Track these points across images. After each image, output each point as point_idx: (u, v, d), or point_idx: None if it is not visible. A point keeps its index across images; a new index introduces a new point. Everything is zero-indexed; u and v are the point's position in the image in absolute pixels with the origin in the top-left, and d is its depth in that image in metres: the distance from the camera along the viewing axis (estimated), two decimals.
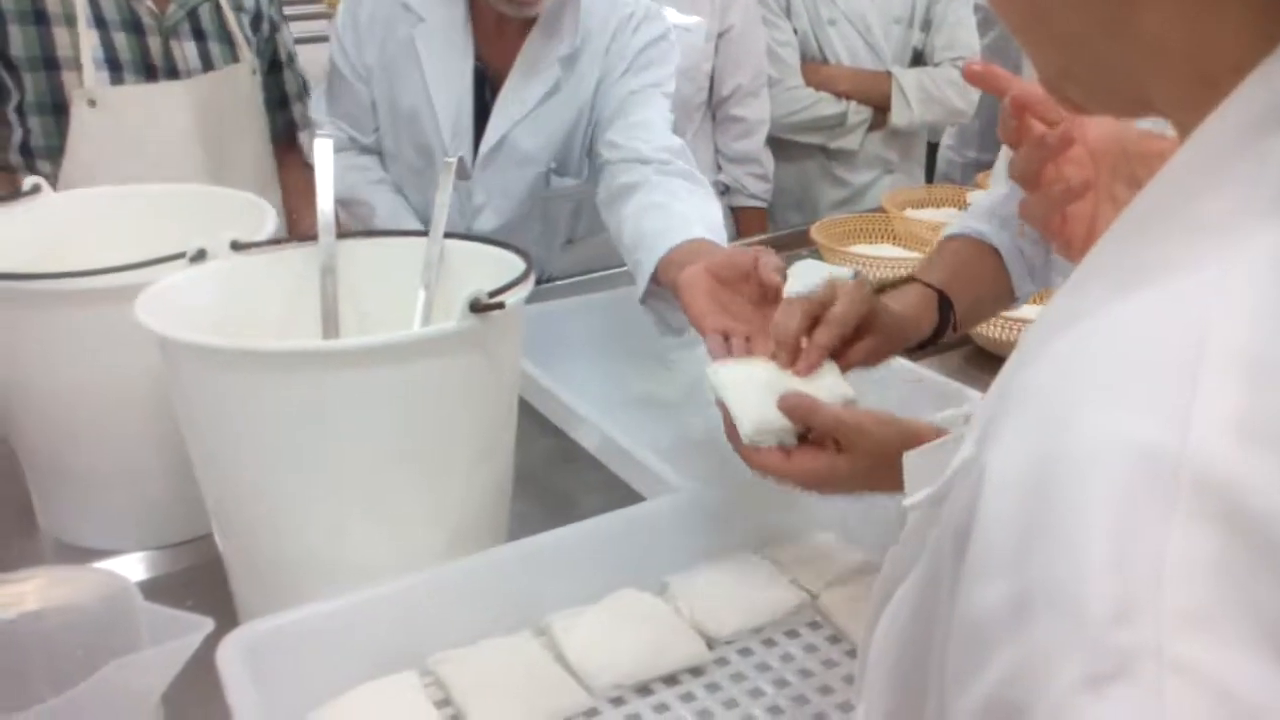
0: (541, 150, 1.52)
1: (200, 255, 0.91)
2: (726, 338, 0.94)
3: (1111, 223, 0.66)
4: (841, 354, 0.87)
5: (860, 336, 0.88)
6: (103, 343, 0.92)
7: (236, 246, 0.95)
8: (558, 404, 1.23)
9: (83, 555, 1.00)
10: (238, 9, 1.53)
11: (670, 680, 0.80)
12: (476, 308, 0.79)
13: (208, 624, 0.67)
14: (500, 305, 0.80)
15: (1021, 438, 0.29)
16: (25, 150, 1.42)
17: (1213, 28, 0.31)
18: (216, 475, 0.85)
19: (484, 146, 1.50)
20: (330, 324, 0.94)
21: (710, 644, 0.83)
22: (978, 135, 2.57)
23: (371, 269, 1.00)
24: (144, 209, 1.13)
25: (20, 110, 1.40)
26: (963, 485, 0.31)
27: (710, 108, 2.12)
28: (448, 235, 0.98)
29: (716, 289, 0.99)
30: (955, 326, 0.99)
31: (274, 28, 1.64)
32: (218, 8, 1.49)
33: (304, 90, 1.71)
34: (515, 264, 0.92)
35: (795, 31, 2.18)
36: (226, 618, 0.89)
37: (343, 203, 1.53)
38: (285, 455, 0.80)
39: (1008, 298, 1.05)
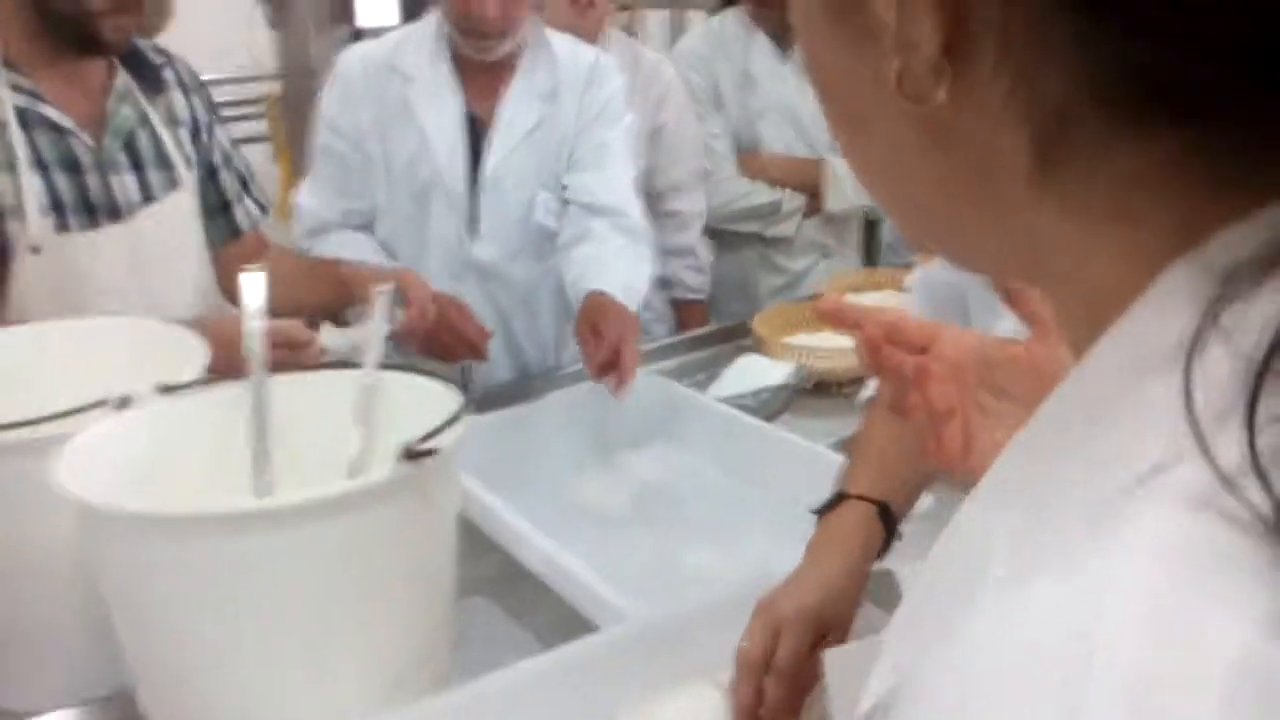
0: (533, 176, 1.70)
1: (124, 403, 0.89)
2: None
3: (984, 434, 0.65)
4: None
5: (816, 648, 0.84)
6: (19, 498, 0.88)
7: (164, 390, 0.93)
8: (499, 522, 1.20)
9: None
10: (173, 124, 1.49)
11: None
12: (409, 455, 0.77)
13: None
14: (433, 451, 0.78)
15: None
16: None
17: (1099, 250, 0.30)
18: (140, 636, 0.82)
19: (485, 173, 1.68)
20: (261, 470, 0.92)
21: None
22: None
23: (303, 405, 0.98)
24: (67, 346, 1.10)
25: None
26: None
27: (646, 204, 2.13)
28: (383, 367, 0.97)
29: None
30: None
31: (209, 131, 1.60)
32: (153, 132, 1.45)
33: (245, 189, 1.63)
34: (450, 399, 0.90)
35: (727, 124, 2.21)
36: None
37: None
38: (212, 615, 0.77)
39: None
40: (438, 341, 1.49)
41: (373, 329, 0.95)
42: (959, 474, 0.65)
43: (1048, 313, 0.63)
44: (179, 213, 1.48)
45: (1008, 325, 0.82)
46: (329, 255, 1.64)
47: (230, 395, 0.95)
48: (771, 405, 1.58)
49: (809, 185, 2.21)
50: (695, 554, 1.22)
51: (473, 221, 1.71)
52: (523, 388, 1.70)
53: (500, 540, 1.22)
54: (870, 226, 2.58)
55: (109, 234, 1.38)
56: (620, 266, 1.61)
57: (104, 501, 0.75)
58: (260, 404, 0.94)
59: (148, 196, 1.43)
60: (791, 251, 2.27)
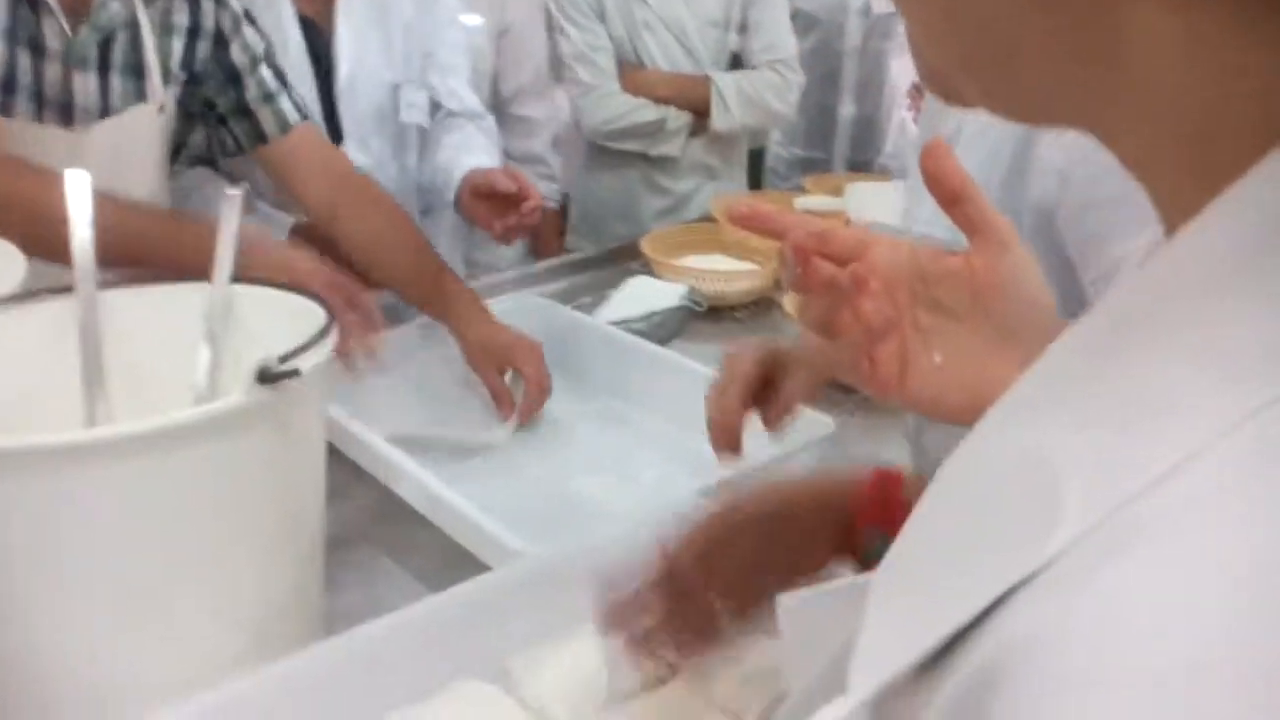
0: (387, 75, 1.66)
1: None
2: None
3: (921, 355, 0.57)
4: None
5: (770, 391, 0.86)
6: None
7: None
8: (374, 456, 1.10)
9: None
10: (167, 32, 1.31)
11: None
12: (266, 378, 0.67)
13: None
14: (294, 373, 0.68)
15: None
16: None
17: (1231, 67, 0.23)
18: None
19: (339, 81, 1.62)
20: (93, 396, 0.80)
21: None
22: (804, 133, 2.58)
23: (146, 321, 0.86)
24: None
25: None
26: None
27: (492, 109, 2.01)
28: (235, 280, 0.85)
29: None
30: None
31: (223, 38, 1.40)
32: (135, 37, 1.27)
33: (271, 94, 1.42)
34: (315, 314, 0.80)
35: (610, 36, 2.10)
36: None
37: None
38: (37, 565, 0.66)
39: None
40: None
41: (222, 235, 0.83)
42: (895, 399, 0.59)
43: (992, 220, 0.57)
44: (139, 128, 1.31)
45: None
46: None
47: (57, 311, 0.82)
48: (664, 329, 1.51)
49: (695, 103, 2.12)
50: (587, 484, 1.15)
51: (334, 131, 1.63)
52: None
53: (376, 475, 1.12)
54: (755, 155, 2.53)
55: (51, 135, 1.22)
56: (490, 149, 1.71)
57: None
58: (90, 326, 0.81)
59: (105, 108, 1.26)
60: (676, 173, 2.20)
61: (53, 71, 1.22)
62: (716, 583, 0.69)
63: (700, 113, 2.13)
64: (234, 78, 1.41)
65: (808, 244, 0.59)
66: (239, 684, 0.69)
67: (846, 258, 0.59)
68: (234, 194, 0.86)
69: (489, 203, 1.54)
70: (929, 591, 0.26)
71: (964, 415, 0.55)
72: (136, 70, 1.30)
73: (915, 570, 0.28)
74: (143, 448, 0.63)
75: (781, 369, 0.87)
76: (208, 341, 0.83)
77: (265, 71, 1.44)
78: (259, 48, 1.43)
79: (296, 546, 0.77)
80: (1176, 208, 0.25)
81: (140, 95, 1.31)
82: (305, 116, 1.43)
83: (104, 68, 1.27)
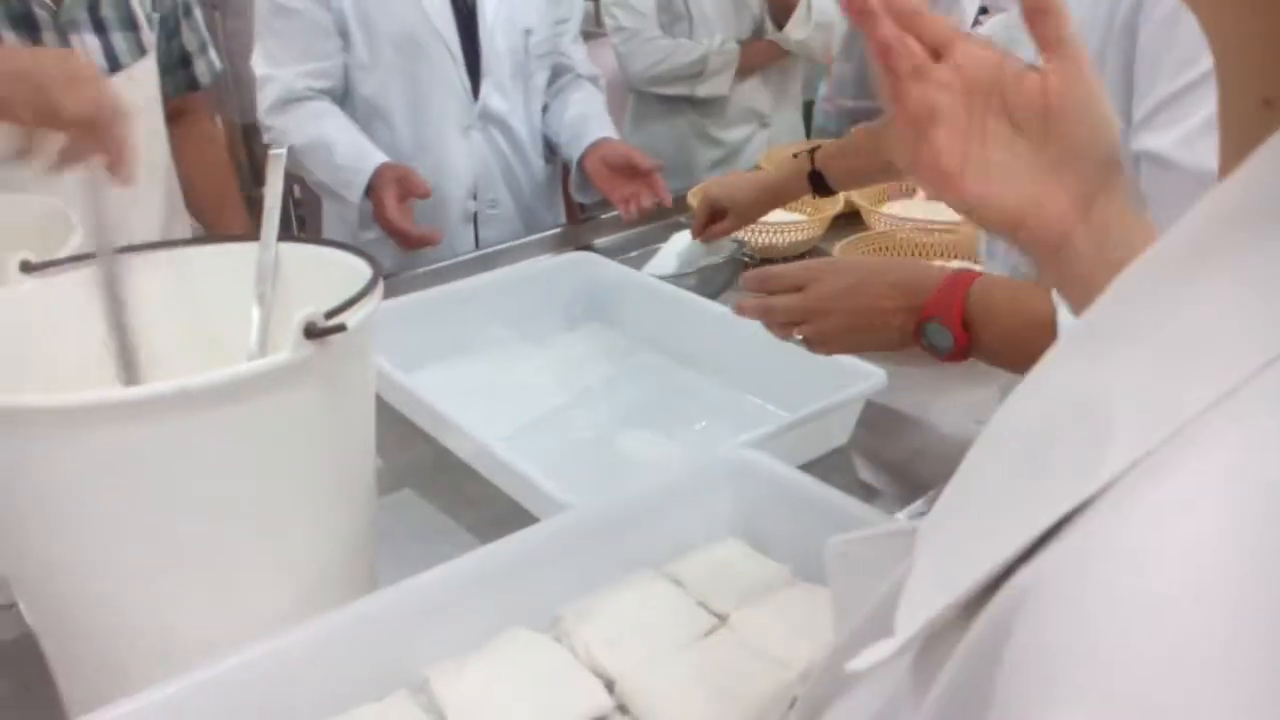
0: (521, 19, 1.72)
1: None
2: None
3: (981, 156, 0.58)
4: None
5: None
6: None
7: (27, 268, 0.81)
8: (427, 410, 1.11)
9: None
10: None
11: None
12: (313, 333, 0.67)
13: None
14: (340, 328, 0.68)
15: None
16: None
17: None
18: (14, 549, 0.72)
19: (485, 19, 1.68)
20: (127, 356, 0.81)
21: (610, 686, 0.74)
22: (851, 83, 2.53)
23: (199, 281, 0.87)
24: None
25: None
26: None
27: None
28: (283, 239, 0.86)
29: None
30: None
31: (187, 9, 1.46)
32: None
33: (205, 43, 1.52)
34: (361, 271, 0.80)
35: None
36: (45, 700, 0.77)
37: (301, 150, 1.59)
38: (95, 520, 0.67)
39: None
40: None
41: (268, 197, 0.84)
42: (948, 195, 0.60)
43: (1071, 41, 0.57)
44: (145, 82, 1.32)
45: None
46: (310, 135, 1.60)
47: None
48: (714, 283, 1.51)
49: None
50: (635, 439, 1.15)
51: (474, 71, 1.70)
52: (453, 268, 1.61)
53: (428, 430, 1.14)
54: (805, 106, 2.48)
55: None
56: (602, 117, 1.82)
57: None
58: (113, 284, 0.82)
59: (114, 64, 1.27)
60: (726, 120, 2.17)
61: (50, 41, 1.22)
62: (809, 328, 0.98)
63: (776, 21, 2.08)
64: (174, 26, 1.42)
65: (890, 35, 0.60)
66: (294, 633, 0.70)
67: (935, 46, 0.60)
68: (278, 153, 0.86)
69: (616, 172, 1.69)
70: (977, 530, 0.26)
71: (1005, 224, 0.57)
72: (130, 23, 1.30)
73: (965, 510, 0.28)
74: (195, 403, 0.64)
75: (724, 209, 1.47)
76: (259, 301, 0.84)
77: (197, 18, 1.46)
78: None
79: (348, 499, 0.78)
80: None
81: (140, 48, 1.32)
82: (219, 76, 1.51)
83: (99, 27, 1.27)
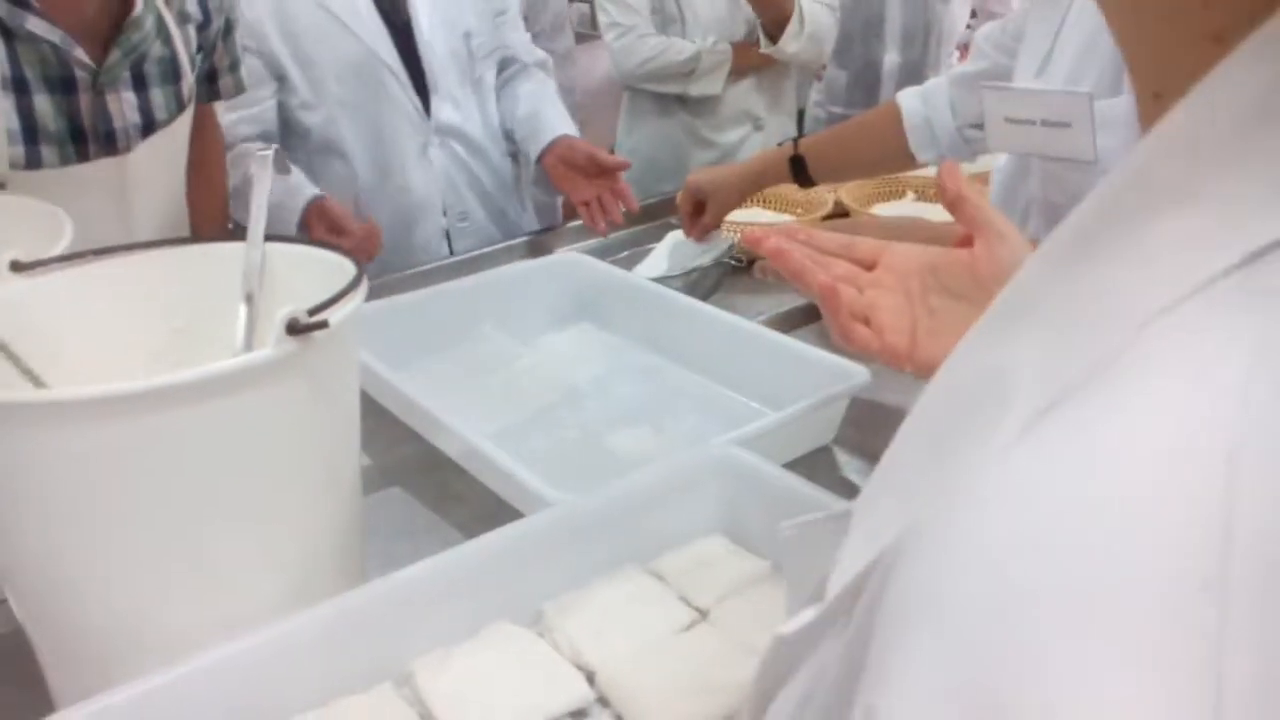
0: (459, 26, 1.71)
1: None
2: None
3: (928, 328, 0.70)
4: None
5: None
6: None
7: (18, 267, 0.82)
8: (415, 409, 1.12)
9: None
10: (183, 22, 1.28)
11: None
12: (295, 329, 0.68)
13: None
14: (323, 324, 0.69)
15: (926, 688, 0.20)
16: None
17: None
18: (4, 543, 0.73)
19: (421, 34, 1.66)
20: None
21: (591, 679, 0.75)
22: (844, 90, 2.54)
23: (186, 281, 0.88)
24: None
25: None
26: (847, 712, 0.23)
27: None
28: (269, 238, 0.87)
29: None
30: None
31: (228, 29, 1.43)
32: (167, 39, 1.24)
33: (237, 62, 1.47)
34: (346, 269, 0.81)
35: None
36: (35, 694, 0.77)
37: (233, 193, 1.59)
38: (84, 515, 0.68)
39: (903, 158, 1.41)
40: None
41: (256, 196, 0.85)
42: (907, 366, 0.71)
43: (989, 216, 0.69)
44: (178, 137, 1.30)
45: None
46: (238, 179, 1.58)
47: (94, 273, 0.85)
48: (703, 284, 1.51)
49: (778, 10, 2.06)
50: (623, 437, 1.16)
51: (421, 88, 1.69)
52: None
53: (417, 428, 1.15)
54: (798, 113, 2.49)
55: (95, 168, 1.18)
56: (556, 108, 1.78)
57: None
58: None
59: (149, 122, 1.23)
60: (720, 122, 2.18)
61: (87, 101, 1.18)
62: None
63: (770, 33, 2.09)
64: (211, 48, 1.40)
65: (833, 249, 0.75)
66: (280, 626, 0.71)
67: (867, 262, 0.74)
68: (265, 154, 0.87)
69: (577, 172, 1.67)
70: (895, 501, 0.27)
71: None
72: (173, 77, 1.27)
73: (888, 486, 0.29)
74: (180, 399, 0.65)
75: (705, 198, 1.53)
76: (245, 300, 0.85)
77: (235, 39, 1.45)
78: (233, 14, 1.44)
79: (334, 494, 0.79)
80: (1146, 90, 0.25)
81: (179, 103, 1.28)
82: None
83: (139, 85, 1.23)
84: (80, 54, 1.15)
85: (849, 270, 0.73)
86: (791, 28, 2.06)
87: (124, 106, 1.21)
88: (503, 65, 1.84)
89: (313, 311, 0.69)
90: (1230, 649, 0.17)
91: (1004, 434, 0.22)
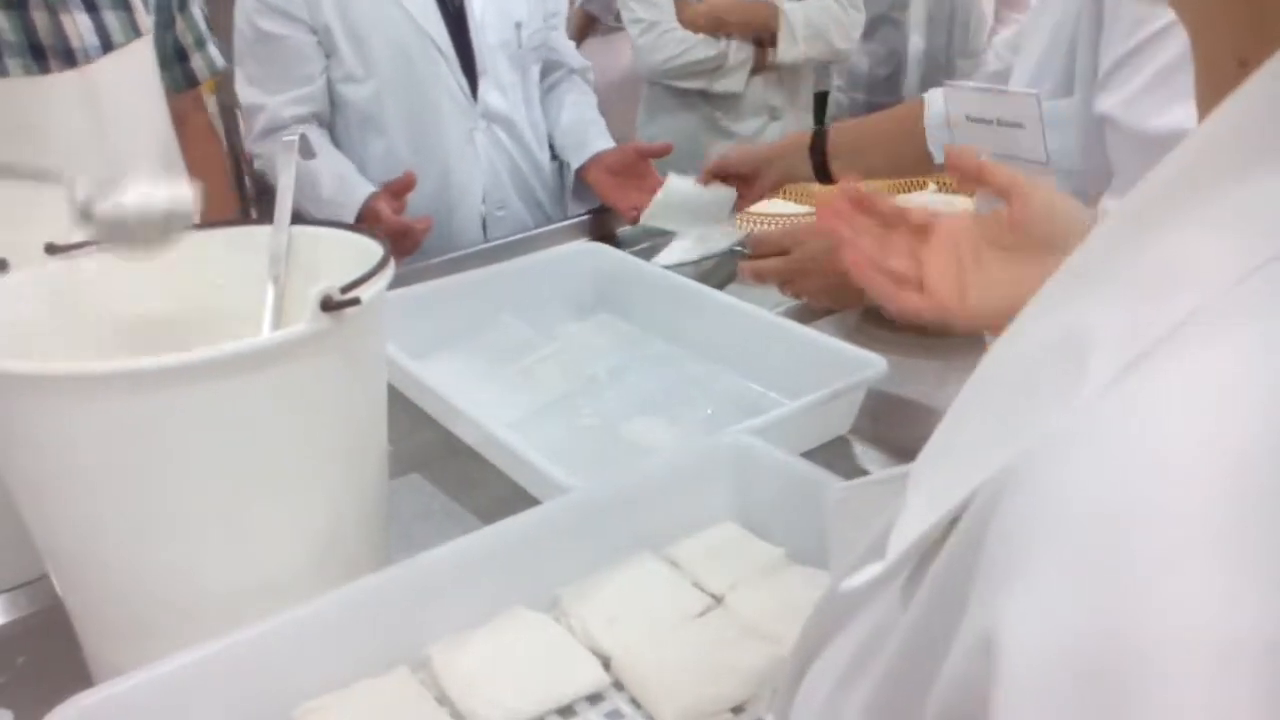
0: (511, 14, 1.73)
1: (1, 267, 0.79)
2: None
3: (979, 280, 0.76)
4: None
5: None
6: None
7: (52, 250, 0.84)
8: (434, 397, 1.14)
9: None
10: None
11: (566, 712, 0.73)
12: (328, 306, 0.70)
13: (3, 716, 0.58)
14: (355, 301, 0.71)
15: (1059, 601, 0.21)
16: None
17: None
18: (46, 514, 0.75)
19: (474, 17, 1.68)
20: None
21: (607, 663, 0.76)
22: (866, 77, 2.53)
23: (217, 262, 0.90)
24: None
25: None
26: (937, 653, 0.24)
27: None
28: (295, 222, 0.88)
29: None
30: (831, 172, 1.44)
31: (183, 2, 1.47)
32: None
33: (203, 38, 1.52)
34: (372, 251, 0.82)
35: None
36: (73, 668, 0.79)
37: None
38: (122, 486, 0.70)
39: (922, 157, 1.38)
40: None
41: (282, 180, 0.86)
42: (959, 317, 0.76)
43: (1011, 179, 0.76)
44: (142, 61, 1.33)
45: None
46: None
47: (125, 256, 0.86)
48: (718, 273, 1.52)
49: (762, 32, 2.08)
50: (639, 425, 1.17)
51: (470, 72, 1.71)
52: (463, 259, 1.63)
53: (436, 415, 1.16)
54: (819, 98, 2.49)
55: (60, 79, 1.22)
56: (599, 122, 1.84)
57: None
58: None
59: (106, 42, 1.27)
60: (739, 113, 2.18)
61: (42, 20, 1.22)
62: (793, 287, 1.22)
63: (764, 44, 2.10)
64: (169, 19, 1.41)
65: (890, 217, 0.82)
66: (300, 610, 0.72)
67: (920, 225, 0.80)
68: (290, 139, 0.88)
69: (620, 176, 1.72)
70: (965, 460, 0.27)
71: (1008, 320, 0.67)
72: (123, 3, 1.30)
73: (953, 448, 0.29)
74: (218, 372, 0.67)
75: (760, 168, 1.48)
76: (273, 281, 0.86)
77: (194, 14, 1.45)
78: None
79: (362, 468, 0.81)
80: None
81: (134, 28, 1.31)
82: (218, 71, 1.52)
83: (90, 6, 1.26)
84: None
85: (907, 242, 0.80)
86: (783, 40, 2.07)
87: (79, 27, 1.25)
88: (547, 68, 1.86)
89: (345, 289, 0.70)
90: None
91: (1092, 384, 0.23)
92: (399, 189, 1.53)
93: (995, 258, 0.75)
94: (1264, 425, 0.20)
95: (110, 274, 0.85)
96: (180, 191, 0.82)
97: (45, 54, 1.22)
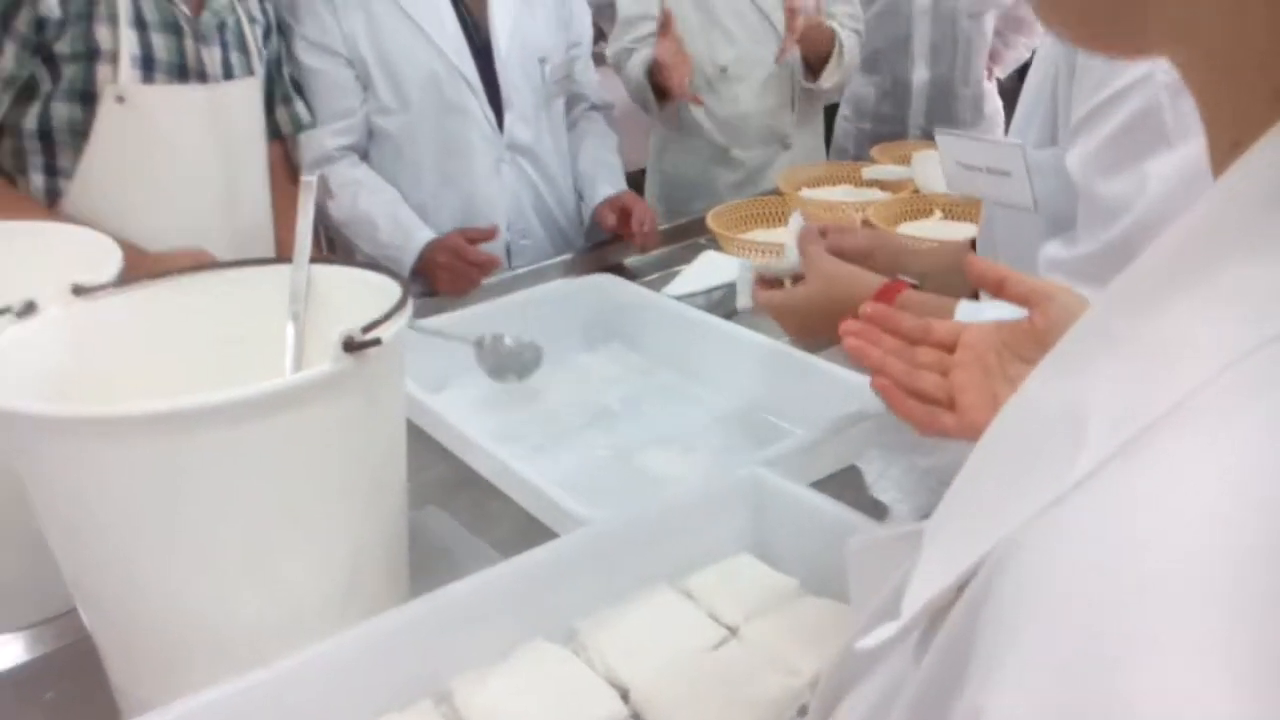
0: (535, 46, 1.80)
1: (29, 309, 0.81)
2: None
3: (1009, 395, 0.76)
4: None
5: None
6: None
7: (79, 291, 0.86)
8: (449, 429, 1.15)
9: None
10: (251, 21, 1.55)
11: None
12: (350, 346, 0.71)
13: None
14: (376, 342, 0.72)
15: (1041, 684, 0.22)
16: (45, 135, 1.40)
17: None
18: (74, 551, 0.76)
19: (499, 52, 1.75)
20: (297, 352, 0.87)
21: (625, 695, 0.77)
22: (874, 105, 2.55)
23: (237, 304, 0.91)
24: None
25: (47, 98, 1.39)
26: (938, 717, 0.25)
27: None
28: (314, 261, 0.90)
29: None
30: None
31: (278, 31, 1.65)
32: (238, 21, 1.52)
33: (290, 95, 1.68)
34: (390, 290, 0.84)
35: None
36: (100, 702, 0.81)
37: (342, 224, 1.75)
38: (148, 524, 0.72)
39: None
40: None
41: (300, 222, 0.88)
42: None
43: (1033, 285, 0.76)
44: (253, 96, 1.54)
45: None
46: (351, 211, 1.73)
47: (148, 296, 0.88)
48: (727, 303, 1.54)
49: (819, 50, 2.10)
50: (652, 456, 1.19)
51: (497, 104, 1.78)
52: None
53: (451, 448, 1.17)
54: (829, 118, 2.50)
55: (193, 90, 1.46)
56: (617, 165, 1.95)
57: (27, 407, 0.68)
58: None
59: (229, 74, 1.50)
60: (748, 142, 2.20)
61: (189, 47, 1.45)
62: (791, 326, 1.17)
63: (814, 68, 2.12)
64: (273, 73, 1.62)
65: (914, 335, 0.81)
66: (323, 646, 0.74)
67: (950, 343, 0.80)
68: (309, 180, 0.90)
69: (622, 218, 1.82)
70: (973, 525, 0.29)
71: None
72: (242, 47, 1.52)
73: (963, 510, 0.31)
74: (245, 413, 0.69)
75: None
76: (293, 319, 0.88)
77: (286, 74, 1.66)
78: (285, 50, 1.66)
79: (383, 503, 0.82)
80: (1223, 145, 0.27)
81: (248, 68, 1.53)
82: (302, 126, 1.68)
83: (223, 44, 1.49)
84: (185, 8, 1.45)
85: (934, 357, 0.80)
86: (830, 64, 2.10)
87: (213, 56, 1.49)
88: (571, 101, 1.92)
89: (366, 329, 0.72)
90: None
91: (1085, 462, 0.24)
92: (476, 236, 1.67)
93: (1022, 372, 0.73)
94: (1257, 520, 0.21)
95: (136, 315, 0.87)
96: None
97: (188, 74, 1.46)
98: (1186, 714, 0.20)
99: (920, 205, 1.85)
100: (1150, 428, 0.23)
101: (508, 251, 1.84)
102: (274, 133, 1.65)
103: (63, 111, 1.39)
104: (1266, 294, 0.24)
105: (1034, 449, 0.27)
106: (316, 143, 1.71)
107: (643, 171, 2.35)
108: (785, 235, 1.41)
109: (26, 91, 1.37)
